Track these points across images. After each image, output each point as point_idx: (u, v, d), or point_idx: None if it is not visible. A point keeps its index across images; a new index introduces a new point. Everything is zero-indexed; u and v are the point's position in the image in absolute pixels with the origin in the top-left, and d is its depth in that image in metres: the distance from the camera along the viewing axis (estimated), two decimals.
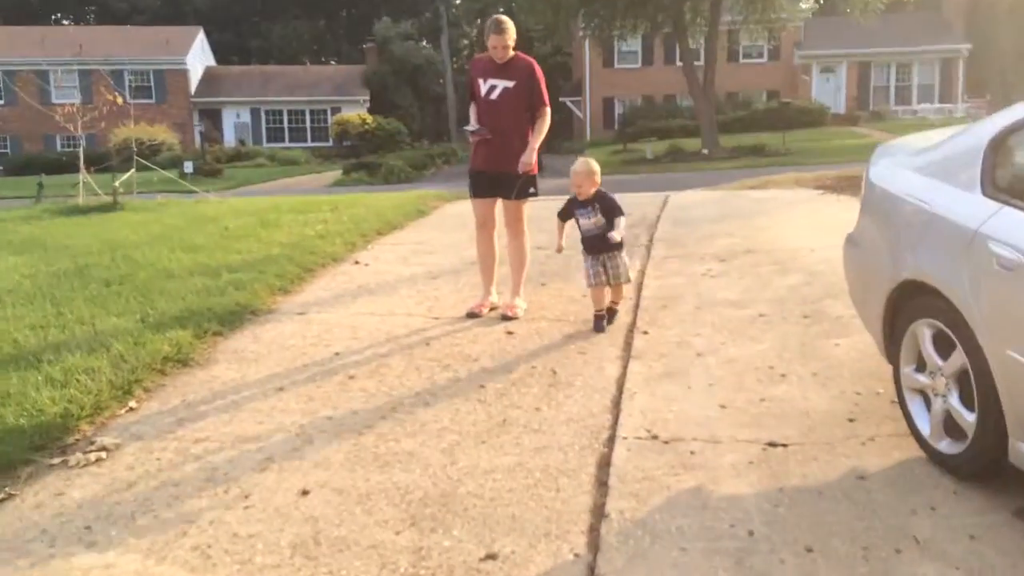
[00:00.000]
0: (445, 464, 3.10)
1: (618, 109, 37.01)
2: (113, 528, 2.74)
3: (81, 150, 13.25)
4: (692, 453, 3.08)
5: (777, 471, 2.93)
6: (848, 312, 4.16)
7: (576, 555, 2.50)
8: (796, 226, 7.40)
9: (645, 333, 4.52)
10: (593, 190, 4.58)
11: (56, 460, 3.25)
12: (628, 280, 4.72)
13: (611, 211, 4.54)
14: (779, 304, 4.87)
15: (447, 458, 3.15)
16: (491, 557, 2.52)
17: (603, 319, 4.61)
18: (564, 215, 4.75)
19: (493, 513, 2.75)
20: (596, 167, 4.66)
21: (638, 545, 2.52)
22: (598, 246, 4.55)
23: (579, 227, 4.66)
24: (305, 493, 2.92)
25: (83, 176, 12.37)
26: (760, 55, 36.48)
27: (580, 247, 4.72)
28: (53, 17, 48.25)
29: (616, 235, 4.45)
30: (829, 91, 35.44)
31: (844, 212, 6.83)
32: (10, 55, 35.84)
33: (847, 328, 4.25)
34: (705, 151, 23.96)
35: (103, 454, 3.28)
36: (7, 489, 3.02)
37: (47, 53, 34.60)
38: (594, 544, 2.56)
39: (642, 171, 21.16)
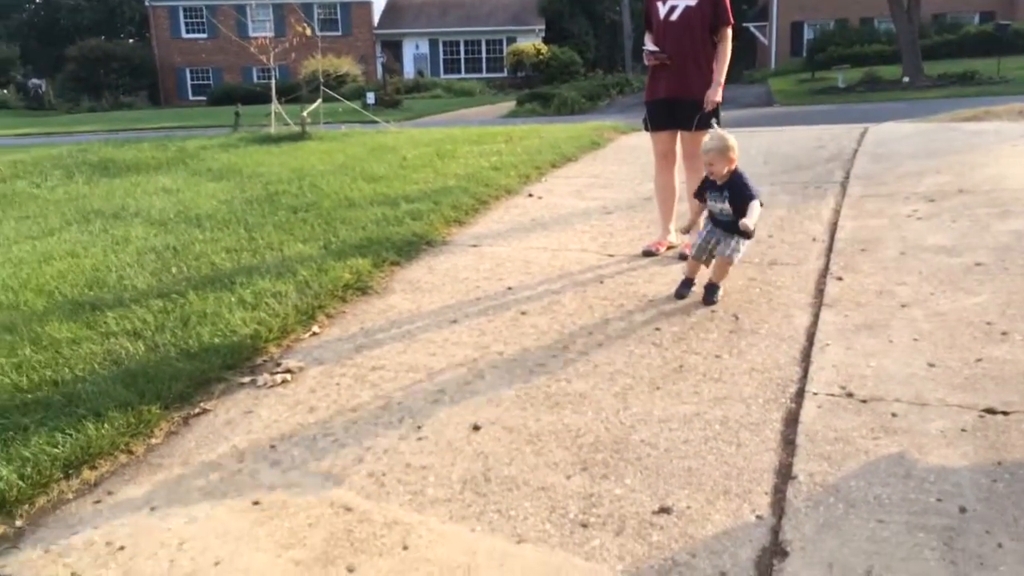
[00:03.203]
0: (618, 409, 2.98)
1: (807, 34, 34.54)
2: (296, 449, 2.84)
3: (273, 81, 13.94)
4: (894, 415, 2.79)
5: (996, 442, 2.58)
6: None
7: (759, 517, 2.32)
8: (1021, 163, 6.52)
9: (840, 279, 4.15)
10: (727, 170, 3.86)
11: (246, 379, 3.41)
12: (731, 263, 3.94)
13: (741, 198, 3.81)
14: (1001, 252, 4.31)
15: (620, 403, 3.02)
16: (665, 511, 2.39)
17: (687, 287, 4.05)
18: (698, 195, 4.10)
19: (667, 464, 2.61)
20: (732, 142, 3.84)
21: (830, 513, 2.30)
22: (728, 229, 3.92)
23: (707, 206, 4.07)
24: (476, 429, 2.90)
25: (275, 106, 13.02)
26: None
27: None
28: None
29: (749, 223, 3.71)
30: None
31: None
32: None
33: None
34: (906, 79, 21.92)
35: (288, 376, 3.41)
36: (203, 404, 3.20)
37: None
38: (779, 507, 2.36)
39: (833, 101, 19.68)
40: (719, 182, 3.90)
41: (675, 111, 4.72)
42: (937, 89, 19.93)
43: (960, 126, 8.95)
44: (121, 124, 23.10)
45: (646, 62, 4.79)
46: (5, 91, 40.07)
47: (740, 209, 3.81)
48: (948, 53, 27.58)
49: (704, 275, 4.06)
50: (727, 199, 3.89)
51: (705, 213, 4.15)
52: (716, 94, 4.62)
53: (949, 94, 18.32)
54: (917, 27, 23.32)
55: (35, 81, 39.86)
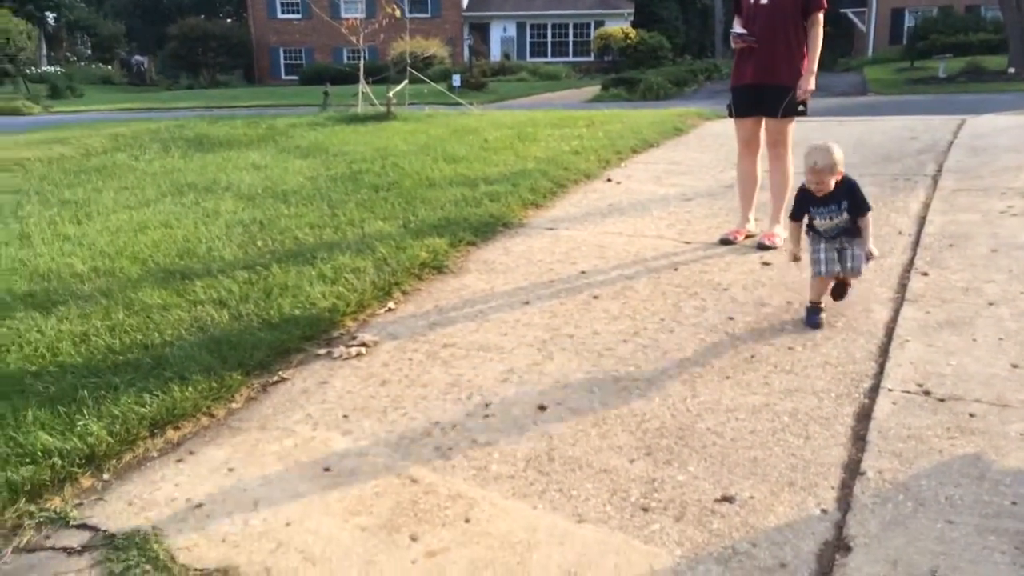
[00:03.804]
0: (685, 396, 2.97)
1: (908, 21, 33.17)
2: (367, 420, 2.93)
3: (362, 62, 14.19)
4: (972, 416, 2.70)
5: None
6: None
7: (823, 511, 2.29)
8: None
9: (924, 275, 4.02)
10: (834, 182, 3.44)
11: (323, 351, 3.53)
12: (860, 274, 3.61)
13: (860, 209, 3.45)
14: None
15: (688, 390, 3.01)
16: (727, 499, 2.38)
17: (819, 312, 3.54)
18: (797, 215, 3.62)
19: (732, 453, 2.59)
20: (839, 156, 3.41)
21: (898, 511, 2.25)
22: (850, 233, 3.52)
23: (811, 222, 3.59)
24: (542, 409, 2.93)
25: (362, 87, 13.27)
26: None
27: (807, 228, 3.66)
28: None
29: (875, 250, 3.51)
30: None
31: None
32: None
33: None
34: (1011, 70, 20.86)
35: (363, 349, 3.51)
36: (281, 373, 3.33)
37: None
38: (845, 502, 2.32)
39: (932, 91, 18.88)
40: (825, 196, 3.46)
41: (761, 97, 4.63)
42: None
43: None
44: (217, 101, 23.92)
45: (733, 45, 4.72)
46: (110, 67, 41.93)
47: (855, 222, 3.48)
48: None
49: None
50: (846, 209, 3.46)
51: (804, 232, 3.66)
52: (809, 83, 4.51)
53: None
54: None
55: (138, 58, 41.60)
